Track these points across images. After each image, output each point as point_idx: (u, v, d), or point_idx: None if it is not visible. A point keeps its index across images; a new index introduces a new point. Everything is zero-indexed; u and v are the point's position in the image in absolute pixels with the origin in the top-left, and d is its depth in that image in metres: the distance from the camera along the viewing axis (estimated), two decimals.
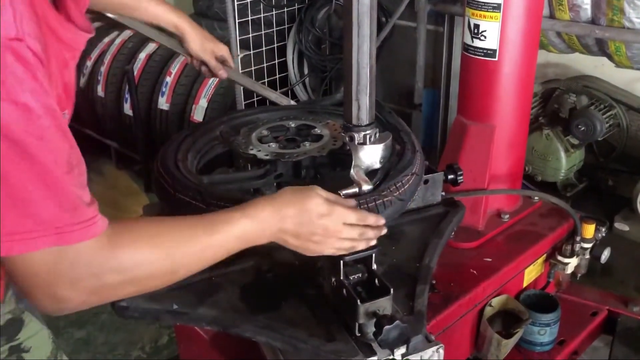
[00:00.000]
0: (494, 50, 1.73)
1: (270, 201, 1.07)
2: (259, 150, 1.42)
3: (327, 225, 1.08)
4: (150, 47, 3.83)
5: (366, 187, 1.24)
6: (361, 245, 1.14)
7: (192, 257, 0.99)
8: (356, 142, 1.30)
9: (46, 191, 0.82)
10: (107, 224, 0.90)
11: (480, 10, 1.71)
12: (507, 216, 1.91)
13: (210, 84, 3.38)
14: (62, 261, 0.86)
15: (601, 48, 2.67)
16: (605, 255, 1.97)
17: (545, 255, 1.91)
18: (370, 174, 1.31)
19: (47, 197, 0.82)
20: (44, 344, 1.22)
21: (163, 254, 0.95)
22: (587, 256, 1.95)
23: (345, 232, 1.11)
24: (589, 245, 1.93)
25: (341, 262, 1.16)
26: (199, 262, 1.01)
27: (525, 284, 1.89)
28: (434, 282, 1.58)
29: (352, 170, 1.28)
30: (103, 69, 3.96)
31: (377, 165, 1.32)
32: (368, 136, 1.30)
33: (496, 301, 1.74)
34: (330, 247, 1.12)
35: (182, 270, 0.99)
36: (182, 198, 1.24)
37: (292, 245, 1.10)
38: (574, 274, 1.96)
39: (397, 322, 1.08)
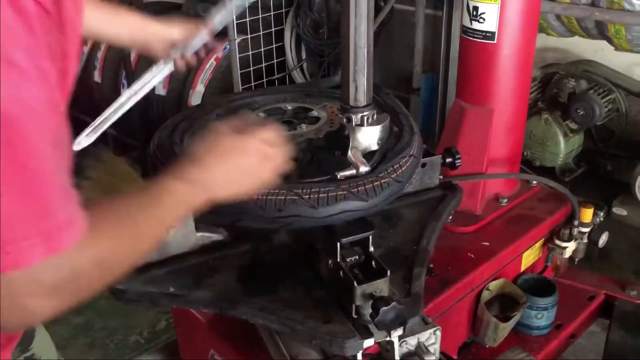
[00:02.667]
0: (493, 33, 1.72)
1: (191, 157, 1.01)
2: None
3: (248, 145, 1.02)
4: None
5: (364, 168, 1.23)
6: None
7: (151, 234, 0.92)
8: (354, 123, 1.29)
9: (27, 184, 0.70)
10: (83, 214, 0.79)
11: None
12: (505, 200, 1.90)
13: (208, 68, 3.36)
14: (44, 269, 0.73)
15: (601, 31, 2.65)
16: (603, 239, 1.97)
17: (543, 239, 1.91)
18: (368, 155, 1.30)
19: (28, 191, 0.70)
20: (52, 354, 1.22)
21: (131, 236, 0.88)
22: (585, 240, 1.95)
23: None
24: (587, 230, 1.93)
25: (338, 244, 1.15)
26: (156, 237, 0.94)
27: (523, 268, 1.89)
28: (431, 265, 1.57)
29: (349, 152, 1.27)
30: (100, 54, 3.93)
31: (375, 147, 1.31)
32: (366, 117, 1.29)
33: (494, 285, 1.74)
34: (266, 169, 1.05)
35: (144, 247, 0.91)
36: None
37: (231, 192, 1.02)
38: (571, 258, 1.97)
39: (393, 303, 1.07)
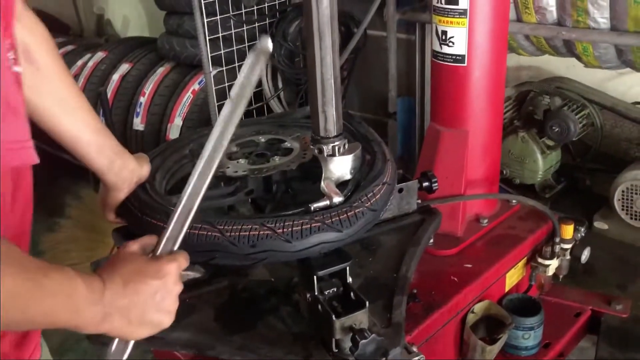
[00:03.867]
0: (463, 56, 1.73)
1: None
2: (228, 167, 1.40)
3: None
4: (124, 68, 3.81)
5: (337, 199, 1.22)
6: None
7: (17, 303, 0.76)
8: (325, 154, 1.29)
9: None
10: None
11: (447, 17, 1.71)
12: (486, 221, 1.90)
13: (185, 102, 3.36)
14: None
15: (569, 49, 2.70)
16: (586, 255, 1.96)
17: (525, 258, 1.90)
18: (341, 185, 1.29)
19: None
20: None
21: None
22: (568, 257, 1.95)
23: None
24: (568, 246, 1.92)
25: (315, 277, 1.14)
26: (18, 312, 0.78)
27: (507, 289, 1.88)
28: (415, 291, 1.56)
29: (322, 183, 1.26)
30: None
31: (348, 177, 1.31)
32: (337, 147, 1.29)
33: (479, 307, 1.72)
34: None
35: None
36: (149, 221, 1.21)
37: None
38: (555, 275, 1.96)
39: (373, 335, 1.06)
